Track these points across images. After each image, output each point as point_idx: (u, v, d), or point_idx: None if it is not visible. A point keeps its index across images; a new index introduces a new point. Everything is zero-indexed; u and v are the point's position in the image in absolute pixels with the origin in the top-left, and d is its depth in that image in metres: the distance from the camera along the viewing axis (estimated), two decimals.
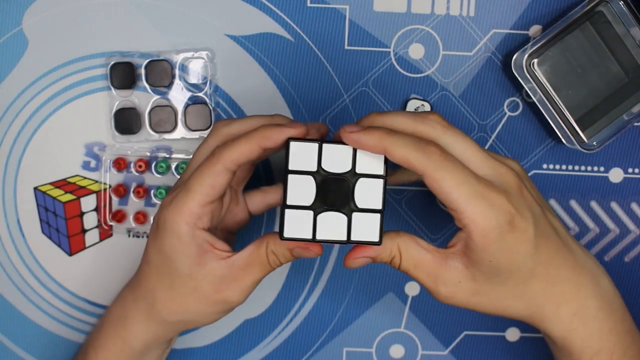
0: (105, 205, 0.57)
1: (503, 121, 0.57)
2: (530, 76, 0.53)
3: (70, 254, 0.58)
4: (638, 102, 0.54)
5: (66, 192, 0.57)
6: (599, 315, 0.45)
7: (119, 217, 0.57)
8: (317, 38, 0.56)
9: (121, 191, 0.57)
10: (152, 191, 0.57)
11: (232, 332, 0.59)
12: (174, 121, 0.56)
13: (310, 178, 0.41)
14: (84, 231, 0.58)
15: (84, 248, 0.58)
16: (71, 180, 0.57)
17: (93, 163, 0.57)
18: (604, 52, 0.54)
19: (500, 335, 0.58)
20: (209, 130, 0.55)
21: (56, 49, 0.56)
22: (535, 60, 0.54)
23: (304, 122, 0.48)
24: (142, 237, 0.58)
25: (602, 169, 0.57)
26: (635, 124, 0.57)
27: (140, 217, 0.57)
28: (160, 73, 0.56)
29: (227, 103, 0.57)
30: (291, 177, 0.41)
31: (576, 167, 0.57)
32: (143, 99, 0.56)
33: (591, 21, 0.53)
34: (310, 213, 0.41)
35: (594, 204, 0.58)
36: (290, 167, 0.41)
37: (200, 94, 0.56)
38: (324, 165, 0.41)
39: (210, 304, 0.46)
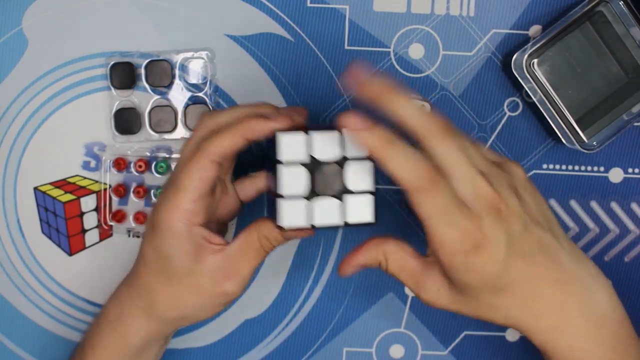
0: (105, 205, 0.57)
1: (503, 121, 0.57)
2: (530, 76, 0.53)
3: (70, 254, 0.58)
4: (638, 102, 0.54)
5: (66, 192, 0.57)
6: (585, 332, 0.44)
7: (119, 217, 0.57)
8: (317, 38, 0.56)
9: (121, 191, 0.57)
10: (152, 191, 0.57)
11: (232, 332, 0.59)
12: (174, 121, 0.56)
13: (301, 168, 0.42)
14: (84, 231, 0.58)
15: (84, 248, 0.58)
16: (71, 180, 0.57)
17: (93, 163, 0.57)
18: (604, 52, 0.54)
19: (500, 335, 0.58)
20: None
21: (56, 49, 0.56)
22: (535, 60, 0.54)
23: (287, 110, 0.48)
24: (142, 237, 0.58)
25: (602, 169, 0.57)
26: (635, 124, 0.57)
27: (140, 217, 0.57)
28: (160, 73, 0.56)
29: (227, 103, 0.57)
30: (283, 168, 0.42)
31: (576, 167, 0.57)
32: (143, 99, 0.56)
33: (591, 21, 0.53)
34: (305, 202, 0.42)
35: (594, 204, 0.58)
36: (281, 159, 0.42)
37: (200, 94, 0.56)
38: (313, 153, 0.42)
39: (211, 297, 0.46)
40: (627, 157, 0.57)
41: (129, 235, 0.58)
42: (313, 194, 0.42)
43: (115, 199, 0.57)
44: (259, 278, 0.58)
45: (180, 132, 0.56)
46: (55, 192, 0.57)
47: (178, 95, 0.56)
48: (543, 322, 0.44)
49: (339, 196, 0.42)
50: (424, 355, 0.59)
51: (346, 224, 0.43)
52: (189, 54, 0.56)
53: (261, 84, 0.56)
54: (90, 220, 0.58)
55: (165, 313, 0.47)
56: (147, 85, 0.56)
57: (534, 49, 0.53)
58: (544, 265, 0.43)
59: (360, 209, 0.42)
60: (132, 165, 0.57)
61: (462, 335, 0.59)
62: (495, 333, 0.58)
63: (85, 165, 0.57)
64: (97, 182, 0.57)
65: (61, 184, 0.57)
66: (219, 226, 0.50)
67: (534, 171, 0.57)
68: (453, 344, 0.59)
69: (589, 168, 0.57)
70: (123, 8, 0.56)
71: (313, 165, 0.42)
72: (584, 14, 0.53)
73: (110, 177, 0.57)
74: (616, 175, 0.57)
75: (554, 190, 0.57)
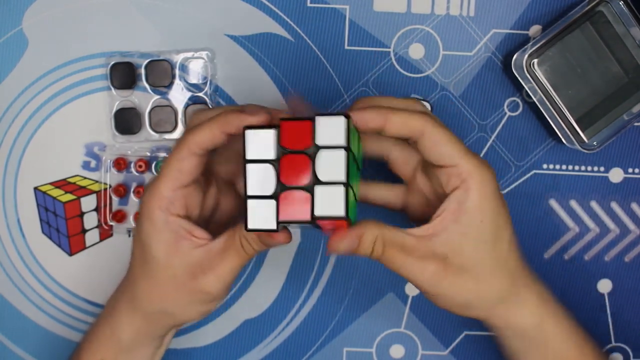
0: (105, 205, 0.57)
1: (503, 121, 0.57)
2: (530, 76, 0.53)
3: (70, 254, 0.58)
4: (638, 102, 0.54)
5: (66, 192, 0.57)
6: (554, 297, 0.48)
7: (119, 217, 0.57)
8: (317, 38, 0.56)
9: (121, 191, 0.57)
10: None
11: (232, 332, 0.59)
12: (174, 121, 0.56)
13: (269, 166, 0.40)
14: (84, 231, 0.58)
15: (84, 248, 0.58)
16: (71, 180, 0.57)
17: (93, 163, 0.57)
18: (604, 52, 0.54)
19: None
20: None
21: (56, 49, 0.56)
22: (535, 60, 0.54)
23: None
24: None
25: (602, 169, 0.57)
26: (635, 124, 0.57)
27: None
28: (160, 73, 0.56)
29: (227, 103, 0.57)
30: (250, 167, 0.40)
31: (576, 167, 0.57)
32: (143, 99, 0.56)
33: (591, 21, 0.53)
34: (273, 202, 0.40)
35: (594, 204, 0.58)
36: (248, 157, 0.40)
37: (200, 94, 0.56)
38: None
39: (188, 292, 0.45)
40: (627, 157, 0.57)
41: (129, 235, 0.58)
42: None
43: (115, 199, 0.57)
44: (259, 278, 0.58)
45: (180, 132, 0.56)
46: (56, 192, 0.57)
47: (178, 95, 0.56)
48: (532, 288, 0.47)
49: (309, 188, 0.39)
50: (424, 355, 0.59)
51: (315, 218, 0.39)
52: (189, 54, 0.56)
53: (261, 84, 0.56)
54: (90, 220, 0.58)
55: (146, 306, 0.47)
56: (147, 85, 0.56)
57: (534, 49, 0.53)
58: None
59: (331, 202, 0.39)
60: (132, 165, 0.57)
61: (462, 335, 0.59)
62: None
63: (86, 165, 0.57)
64: (97, 182, 0.57)
65: (61, 184, 0.57)
66: (221, 228, 0.50)
67: (534, 171, 0.57)
68: (453, 344, 0.59)
69: (589, 168, 0.57)
70: (123, 8, 0.56)
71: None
72: (584, 14, 0.53)
73: (111, 177, 0.57)
74: (616, 175, 0.57)
75: (554, 190, 0.57)
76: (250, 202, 0.40)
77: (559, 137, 0.54)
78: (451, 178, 0.42)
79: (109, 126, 0.56)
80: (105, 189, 0.57)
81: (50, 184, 0.57)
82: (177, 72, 0.56)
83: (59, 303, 0.58)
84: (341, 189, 0.39)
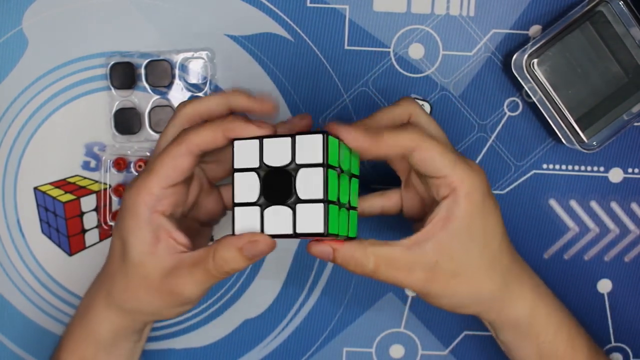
0: (105, 205, 0.57)
1: (503, 121, 0.57)
2: (530, 76, 0.53)
3: (70, 254, 0.58)
4: (638, 102, 0.54)
5: (66, 192, 0.57)
6: (548, 291, 0.49)
7: None
8: (317, 38, 0.56)
9: (121, 191, 0.57)
10: None
11: (232, 332, 0.59)
12: None
13: (254, 175, 0.42)
14: (84, 231, 0.58)
15: (84, 248, 0.58)
16: (71, 180, 0.57)
17: (93, 163, 0.57)
18: (604, 52, 0.54)
19: None
20: None
21: (56, 49, 0.56)
22: (535, 60, 0.54)
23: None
24: None
25: (602, 169, 0.57)
26: (635, 124, 0.57)
27: None
28: (160, 73, 0.56)
29: None
30: (237, 175, 0.42)
31: (576, 167, 0.57)
32: (143, 99, 0.56)
33: (591, 21, 0.53)
34: (257, 209, 0.42)
35: (594, 204, 0.58)
36: (236, 166, 0.42)
37: (200, 94, 0.56)
38: (266, 160, 0.42)
39: (160, 295, 0.44)
40: (627, 157, 0.57)
41: None
42: (266, 202, 0.41)
43: (115, 199, 0.57)
44: (259, 278, 0.58)
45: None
46: (55, 192, 0.57)
47: (178, 95, 0.56)
48: (525, 286, 0.48)
49: (291, 205, 0.41)
50: (424, 355, 0.59)
51: (297, 234, 0.41)
52: (189, 54, 0.56)
53: (261, 84, 0.56)
54: (90, 220, 0.58)
55: (122, 303, 0.46)
56: (147, 85, 0.56)
57: (534, 49, 0.53)
58: None
59: (311, 219, 0.41)
60: (132, 165, 0.57)
61: (462, 335, 0.59)
62: None
63: (85, 165, 0.57)
64: (97, 182, 0.57)
65: (61, 184, 0.57)
66: (195, 224, 0.49)
67: (534, 171, 0.57)
68: (453, 344, 0.59)
69: (589, 168, 0.57)
70: (123, 8, 0.56)
71: (266, 172, 0.41)
72: (584, 14, 0.53)
73: (110, 177, 0.57)
74: (616, 175, 0.57)
75: (554, 190, 0.57)
76: (237, 209, 0.42)
77: (559, 137, 0.54)
78: (441, 187, 0.43)
79: (109, 126, 0.56)
80: (105, 189, 0.57)
81: (50, 184, 0.57)
82: (177, 72, 0.56)
83: (59, 303, 0.58)
84: (320, 207, 0.40)
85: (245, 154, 0.42)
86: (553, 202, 0.58)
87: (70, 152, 0.57)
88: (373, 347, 0.59)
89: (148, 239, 0.43)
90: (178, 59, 0.56)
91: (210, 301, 0.58)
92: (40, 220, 0.57)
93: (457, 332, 0.59)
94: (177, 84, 0.56)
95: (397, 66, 0.56)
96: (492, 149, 0.57)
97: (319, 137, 0.41)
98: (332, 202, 0.41)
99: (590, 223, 0.58)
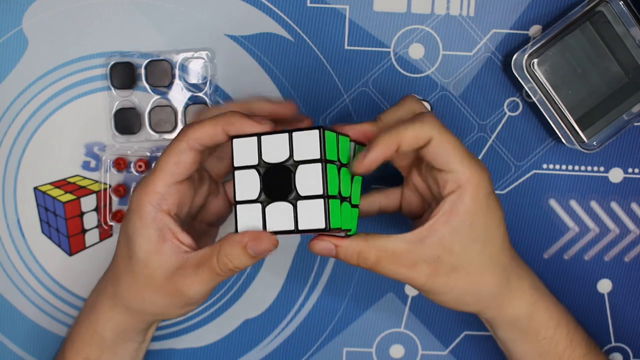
0: (105, 205, 0.57)
1: (503, 121, 0.57)
2: (530, 76, 0.53)
3: (70, 254, 0.58)
4: (638, 102, 0.54)
5: (66, 192, 0.57)
6: (546, 289, 0.49)
7: (119, 217, 0.57)
8: (317, 38, 0.56)
9: (121, 191, 0.57)
10: None
11: (232, 332, 0.59)
12: (174, 121, 0.56)
13: (254, 172, 0.42)
14: (84, 231, 0.58)
15: (84, 248, 0.58)
16: (71, 180, 0.57)
17: (93, 163, 0.57)
18: (604, 52, 0.54)
19: None
20: None
21: (56, 49, 0.56)
22: (535, 60, 0.54)
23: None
24: None
25: (602, 169, 0.57)
26: (635, 124, 0.57)
27: None
28: (160, 73, 0.56)
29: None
30: (237, 173, 0.42)
31: (576, 167, 0.57)
32: (143, 99, 0.56)
33: (591, 21, 0.53)
34: (259, 206, 0.42)
35: (594, 204, 0.58)
36: (236, 164, 0.42)
37: (200, 94, 0.56)
38: (264, 157, 0.42)
39: (165, 295, 0.44)
40: (627, 157, 0.57)
41: None
42: (267, 199, 0.42)
43: (115, 199, 0.57)
44: (259, 278, 0.58)
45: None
46: (55, 192, 0.57)
47: (178, 95, 0.56)
48: (525, 283, 0.48)
49: (292, 201, 0.41)
50: (424, 355, 0.59)
51: (299, 231, 0.41)
52: (189, 54, 0.56)
53: (261, 84, 0.56)
54: (90, 220, 0.58)
55: (128, 302, 0.46)
56: (147, 85, 0.56)
57: (534, 49, 0.53)
58: None
59: (313, 215, 0.41)
60: (132, 165, 0.57)
61: (462, 335, 0.59)
62: None
63: (85, 165, 0.57)
64: (97, 182, 0.57)
65: (61, 184, 0.57)
66: (204, 226, 0.49)
67: (534, 171, 0.57)
68: (453, 344, 0.59)
69: (589, 168, 0.57)
70: (123, 8, 0.56)
71: (265, 169, 0.42)
72: (584, 14, 0.53)
73: (110, 177, 0.57)
74: (616, 175, 0.57)
75: (554, 190, 0.57)
76: (239, 207, 0.42)
77: (559, 137, 0.54)
78: (448, 182, 0.43)
79: (108, 126, 0.56)
80: (105, 189, 0.57)
81: (50, 184, 0.57)
82: (177, 72, 0.56)
83: (59, 303, 0.58)
84: (321, 203, 0.40)
85: (244, 151, 0.42)
86: (553, 202, 0.58)
87: (70, 152, 0.57)
88: (373, 347, 0.59)
89: (154, 238, 0.43)
90: (178, 59, 0.56)
91: (211, 301, 0.58)
92: (41, 220, 0.57)
93: (457, 332, 0.59)
94: (177, 84, 0.56)
95: (397, 66, 0.56)
96: (492, 149, 0.57)
97: (315, 133, 0.41)
98: (333, 197, 0.41)
99: (590, 223, 0.58)
